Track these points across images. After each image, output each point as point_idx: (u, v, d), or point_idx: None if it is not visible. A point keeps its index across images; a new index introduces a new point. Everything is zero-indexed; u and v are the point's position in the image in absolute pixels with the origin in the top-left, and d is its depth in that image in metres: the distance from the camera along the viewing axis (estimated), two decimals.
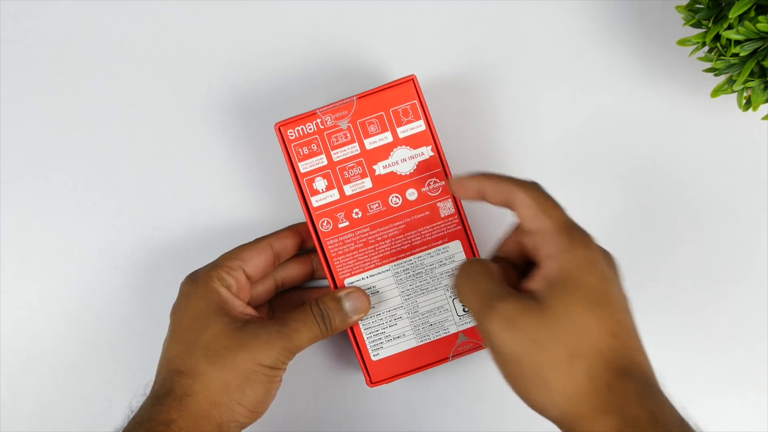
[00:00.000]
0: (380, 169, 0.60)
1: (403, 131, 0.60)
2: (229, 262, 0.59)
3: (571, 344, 0.45)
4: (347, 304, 0.59)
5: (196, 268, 0.61)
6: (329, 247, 0.61)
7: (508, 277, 0.53)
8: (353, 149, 0.60)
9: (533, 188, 0.51)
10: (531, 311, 0.46)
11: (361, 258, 0.61)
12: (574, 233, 0.49)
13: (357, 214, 0.60)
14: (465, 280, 0.51)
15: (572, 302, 0.46)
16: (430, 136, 0.60)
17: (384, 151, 0.60)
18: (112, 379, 0.68)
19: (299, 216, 0.65)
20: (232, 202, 0.67)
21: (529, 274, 0.50)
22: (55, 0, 0.67)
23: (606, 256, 0.50)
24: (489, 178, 0.53)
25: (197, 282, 0.59)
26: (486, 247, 0.64)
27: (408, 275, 0.61)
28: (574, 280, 0.47)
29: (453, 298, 0.61)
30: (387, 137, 0.60)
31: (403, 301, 0.61)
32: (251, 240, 0.62)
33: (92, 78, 0.67)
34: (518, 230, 0.54)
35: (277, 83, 0.67)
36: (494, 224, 0.66)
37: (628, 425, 0.43)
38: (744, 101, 0.58)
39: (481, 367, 0.66)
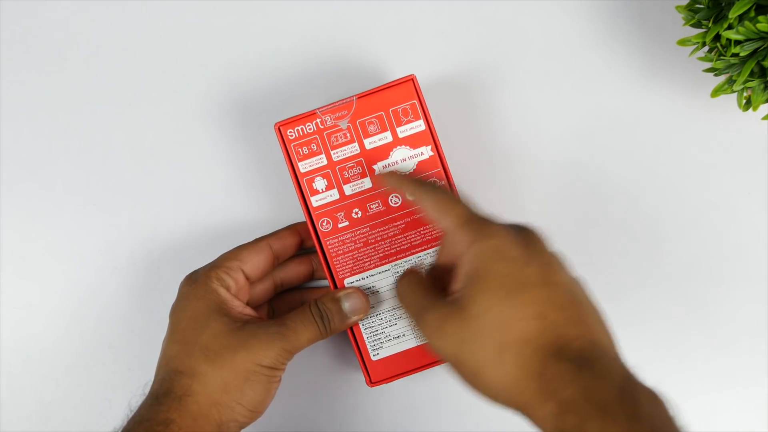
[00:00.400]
0: (380, 168, 0.60)
1: (403, 131, 0.60)
2: (228, 263, 0.59)
3: (495, 338, 0.45)
4: (346, 305, 0.59)
5: (196, 268, 0.61)
6: (329, 246, 0.61)
7: (441, 283, 0.54)
8: (353, 149, 0.60)
9: (432, 191, 0.53)
10: (453, 316, 0.47)
11: (360, 258, 0.61)
12: (475, 226, 0.49)
13: (357, 213, 0.60)
14: (401, 297, 0.54)
15: (486, 297, 0.46)
16: (430, 135, 0.60)
17: (384, 151, 0.60)
18: (112, 379, 0.68)
19: (299, 216, 0.65)
20: (232, 202, 0.67)
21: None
22: (55, 0, 0.67)
23: (522, 235, 0.50)
24: (401, 181, 0.56)
25: (196, 282, 0.59)
26: None
27: None
28: (484, 273, 0.47)
29: None
30: (387, 137, 0.60)
31: None
32: (250, 240, 0.62)
33: (92, 78, 0.68)
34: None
35: (277, 83, 0.67)
36: None
37: (564, 408, 0.42)
38: (744, 101, 0.58)
39: None
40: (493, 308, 0.46)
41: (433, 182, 0.54)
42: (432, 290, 0.52)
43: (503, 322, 0.46)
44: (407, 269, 0.57)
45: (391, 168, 0.60)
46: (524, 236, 0.50)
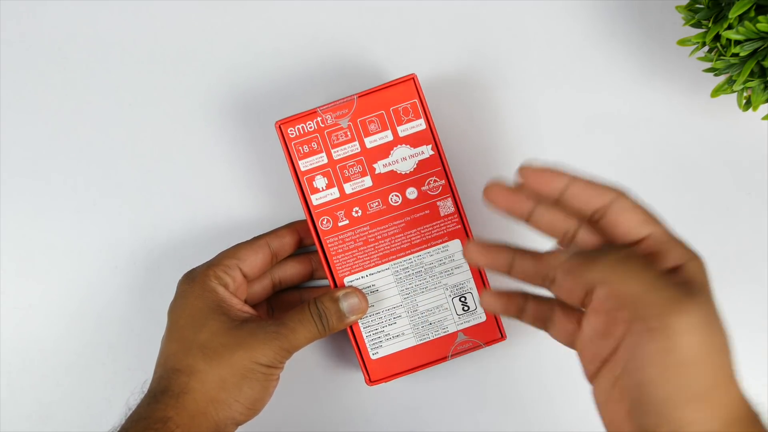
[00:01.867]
0: (380, 167, 0.60)
1: (404, 130, 0.60)
2: (226, 261, 0.60)
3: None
4: (345, 305, 0.59)
5: (194, 267, 0.61)
6: (329, 245, 0.61)
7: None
8: (353, 148, 0.60)
9: (627, 195, 0.46)
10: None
11: (360, 256, 0.61)
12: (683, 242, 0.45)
13: (357, 212, 0.60)
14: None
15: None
16: (430, 135, 0.60)
17: (384, 150, 0.60)
18: (112, 379, 0.68)
19: (299, 214, 0.65)
20: (232, 201, 0.67)
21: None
22: (55, 0, 0.67)
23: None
24: (574, 181, 0.47)
25: (194, 281, 0.59)
26: None
27: (407, 274, 0.61)
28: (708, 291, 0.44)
29: (452, 297, 0.61)
30: (387, 136, 0.60)
31: (402, 299, 0.61)
32: (249, 239, 0.62)
33: (92, 78, 0.68)
34: None
35: (277, 83, 0.67)
36: (494, 224, 0.66)
37: None
38: (744, 101, 0.58)
39: (481, 367, 0.66)
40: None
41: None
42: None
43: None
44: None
45: (392, 167, 0.60)
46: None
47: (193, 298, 0.58)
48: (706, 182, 0.66)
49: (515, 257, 0.50)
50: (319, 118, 0.60)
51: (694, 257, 0.45)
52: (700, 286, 0.43)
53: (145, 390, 0.57)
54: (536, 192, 0.48)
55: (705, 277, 0.44)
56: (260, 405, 0.58)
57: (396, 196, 0.60)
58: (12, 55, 0.68)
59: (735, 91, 0.58)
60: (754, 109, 0.57)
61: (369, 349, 0.62)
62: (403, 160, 0.60)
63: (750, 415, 0.43)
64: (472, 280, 0.61)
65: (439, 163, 0.60)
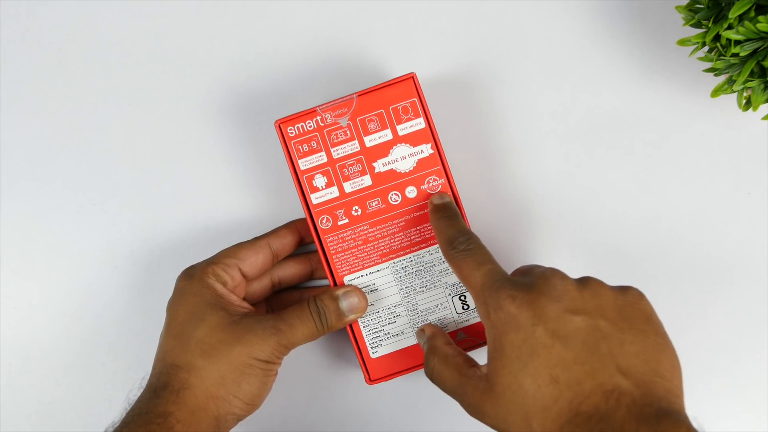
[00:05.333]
0: (380, 166, 0.60)
1: (403, 129, 0.60)
2: (226, 260, 0.60)
3: (521, 413, 0.45)
4: (344, 303, 0.59)
5: (193, 263, 0.61)
6: (329, 244, 0.61)
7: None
8: (353, 147, 0.60)
9: (456, 259, 0.54)
10: (487, 395, 0.48)
11: (360, 255, 0.61)
12: (488, 298, 0.49)
13: (356, 211, 0.60)
14: (437, 378, 0.54)
15: (505, 372, 0.47)
16: (430, 133, 0.60)
17: (384, 149, 0.60)
18: (112, 379, 0.68)
19: (298, 213, 0.65)
20: (232, 201, 0.67)
21: None
22: (55, 0, 0.67)
23: (532, 292, 0.48)
24: (438, 233, 0.57)
25: (192, 278, 0.59)
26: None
27: (407, 273, 0.61)
28: (500, 347, 0.47)
29: (452, 295, 0.61)
30: (387, 135, 0.60)
31: (402, 298, 0.61)
32: (249, 239, 0.62)
33: (92, 78, 0.68)
34: None
35: (277, 82, 0.67)
36: (494, 223, 0.66)
37: None
38: (744, 101, 0.58)
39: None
40: (513, 383, 0.46)
41: (465, 240, 0.54)
42: (463, 364, 0.52)
43: (523, 396, 0.45)
44: (430, 337, 0.57)
45: (391, 166, 0.60)
46: (533, 293, 0.48)
47: (191, 294, 0.58)
48: (706, 182, 0.66)
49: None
50: (318, 117, 0.60)
51: (484, 324, 0.50)
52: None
53: (144, 385, 0.57)
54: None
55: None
56: (259, 401, 0.58)
57: (395, 194, 0.60)
58: (12, 55, 0.68)
59: (735, 91, 0.58)
60: (754, 109, 0.57)
61: (369, 348, 0.61)
62: (403, 158, 0.60)
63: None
64: None
65: (438, 162, 0.60)
